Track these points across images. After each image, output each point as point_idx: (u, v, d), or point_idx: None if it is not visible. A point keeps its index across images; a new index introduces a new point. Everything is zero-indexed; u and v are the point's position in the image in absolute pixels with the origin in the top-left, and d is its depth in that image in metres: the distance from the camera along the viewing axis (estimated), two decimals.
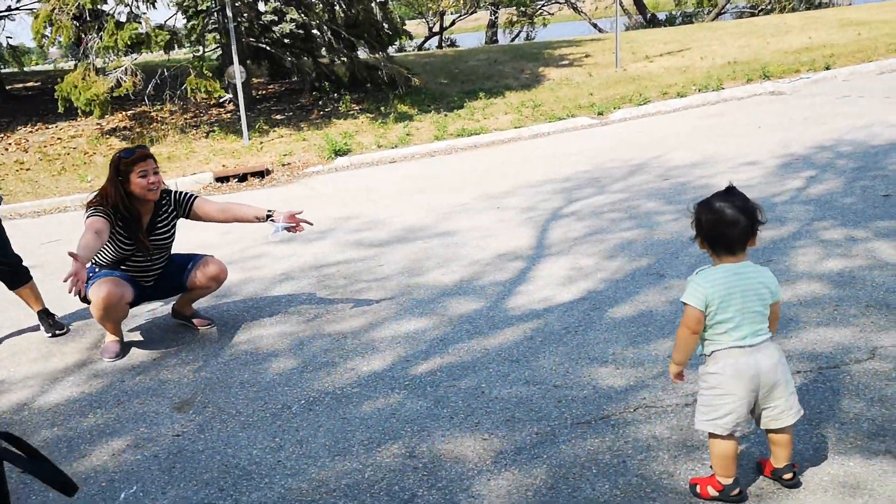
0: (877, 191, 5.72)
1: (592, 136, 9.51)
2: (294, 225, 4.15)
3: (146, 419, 3.52)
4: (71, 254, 3.48)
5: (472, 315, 4.32)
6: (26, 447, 1.53)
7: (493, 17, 30.12)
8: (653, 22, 28.79)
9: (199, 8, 11.04)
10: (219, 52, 12.44)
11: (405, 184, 8.00)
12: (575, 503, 2.62)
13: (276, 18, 11.79)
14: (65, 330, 4.70)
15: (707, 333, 2.50)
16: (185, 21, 11.57)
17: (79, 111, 10.52)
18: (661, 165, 7.43)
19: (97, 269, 4.26)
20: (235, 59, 10.08)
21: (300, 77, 13.18)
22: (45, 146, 10.81)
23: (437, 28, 30.56)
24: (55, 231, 7.52)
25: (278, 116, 11.93)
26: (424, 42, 29.84)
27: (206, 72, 10.95)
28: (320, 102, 12.53)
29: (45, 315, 4.70)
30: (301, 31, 11.96)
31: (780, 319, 2.76)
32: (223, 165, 9.37)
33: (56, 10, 9.95)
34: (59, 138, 11.16)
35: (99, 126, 11.55)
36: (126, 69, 10.67)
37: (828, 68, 11.99)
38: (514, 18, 30.32)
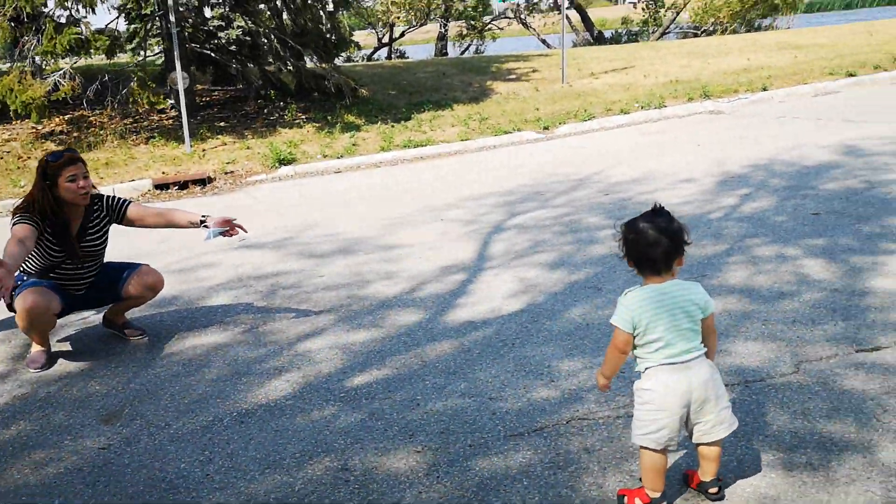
0: (807, 209, 5.90)
1: (537, 151, 9.60)
2: (228, 229, 4.10)
3: (71, 431, 3.42)
4: None
5: (412, 327, 4.32)
6: None
7: (443, 30, 30.28)
8: (599, 39, 29.29)
9: (142, 12, 10.84)
10: (162, 57, 12.23)
11: (350, 194, 7.97)
12: None
13: (222, 24, 11.65)
14: None
15: (639, 351, 2.54)
16: (126, 25, 11.35)
17: (13, 114, 10.21)
18: (602, 181, 7.55)
19: (25, 277, 4.13)
20: (178, 64, 9.92)
21: (245, 84, 13.03)
22: None
23: (386, 39, 30.57)
24: None
25: (222, 124, 11.77)
26: (374, 52, 29.82)
27: (150, 83, 10.75)
28: (265, 110, 12.41)
29: None
30: (248, 38, 11.84)
31: None
32: (163, 172, 9.20)
33: None
34: None
35: (35, 130, 11.23)
36: (65, 73, 10.41)
37: (765, 89, 12.35)
38: (464, 32, 30.52)
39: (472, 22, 29.83)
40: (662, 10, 30.23)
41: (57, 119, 11.77)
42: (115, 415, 3.54)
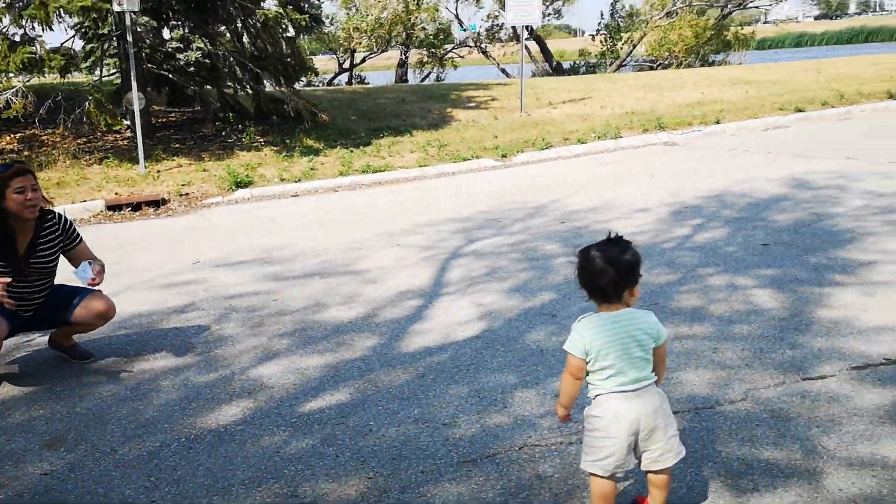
0: (757, 240, 6.03)
1: (495, 178, 9.68)
2: (94, 278, 4.00)
3: (12, 457, 3.31)
4: None
5: (366, 352, 4.29)
6: None
7: (403, 57, 30.50)
8: (558, 70, 29.82)
9: (99, 31, 10.72)
10: (118, 76, 12.08)
11: (307, 218, 7.93)
12: None
13: (181, 46, 11.58)
14: None
15: (590, 378, 2.56)
16: (83, 44, 11.21)
17: None
18: (559, 209, 7.63)
19: None
20: (134, 84, 9.81)
21: (203, 106, 12.94)
22: None
23: (347, 64, 30.68)
24: None
25: (178, 145, 11.65)
26: (334, 78, 29.88)
27: (106, 104, 10.61)
28: (223, 133, 12.32)
29: None
30: (207, 61, 11.78)
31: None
32: (116, 193, 9.05)
33: None
34: None
35: None
36: (17, 91, 10.23)
37: (718, 122, 12.66)
38: (425, 59, 30.77)
39: (433, 50, 30.10)
40: (619, 43, 30.90)
41: (8, 137, 11.54)
42: (59, 440, 3.45)
